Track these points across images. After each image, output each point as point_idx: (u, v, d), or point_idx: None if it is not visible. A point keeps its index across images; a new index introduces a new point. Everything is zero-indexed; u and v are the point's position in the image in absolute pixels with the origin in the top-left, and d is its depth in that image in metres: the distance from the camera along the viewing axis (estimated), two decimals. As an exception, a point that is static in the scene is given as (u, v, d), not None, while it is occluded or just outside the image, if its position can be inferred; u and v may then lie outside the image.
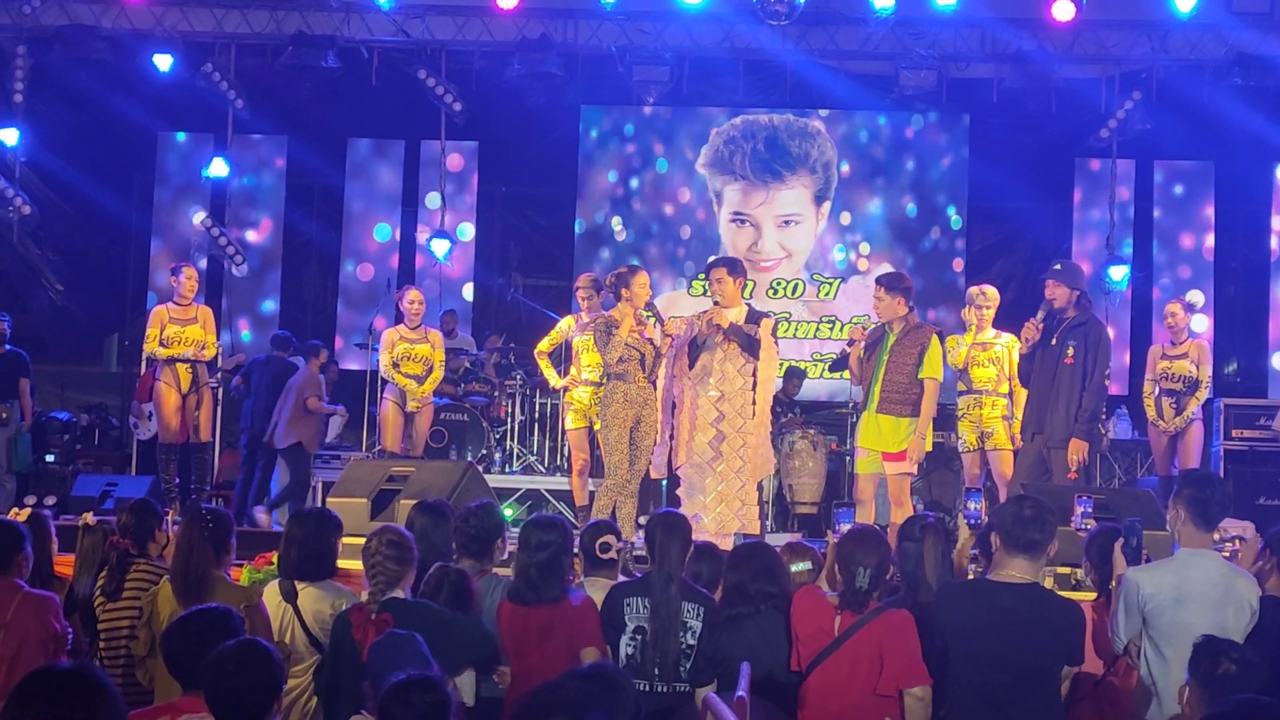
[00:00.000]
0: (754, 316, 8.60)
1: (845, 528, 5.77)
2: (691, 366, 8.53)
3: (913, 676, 4.76)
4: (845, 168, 14.15)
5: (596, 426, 9.24)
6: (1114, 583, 5.13)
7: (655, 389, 8.63)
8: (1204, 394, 10.16)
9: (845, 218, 14.18)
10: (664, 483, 9.38)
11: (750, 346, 8.45)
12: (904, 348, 8.62)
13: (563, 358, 10.56)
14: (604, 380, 8.79)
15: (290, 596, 5.35)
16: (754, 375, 8.50)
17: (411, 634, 4.50)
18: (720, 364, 8.45)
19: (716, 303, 8.53)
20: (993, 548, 5.04)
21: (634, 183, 14.33)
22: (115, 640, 5.70)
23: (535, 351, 10.35)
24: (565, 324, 10.19)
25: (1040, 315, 8.73)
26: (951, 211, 14.18)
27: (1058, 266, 9.00)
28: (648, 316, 8.79)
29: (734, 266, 8.70)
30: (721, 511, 8.32)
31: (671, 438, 8.58)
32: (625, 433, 8.53)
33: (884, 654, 4.78)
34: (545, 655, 5.00)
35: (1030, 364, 8.87)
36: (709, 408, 8.43)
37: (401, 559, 5.00)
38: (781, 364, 11.58)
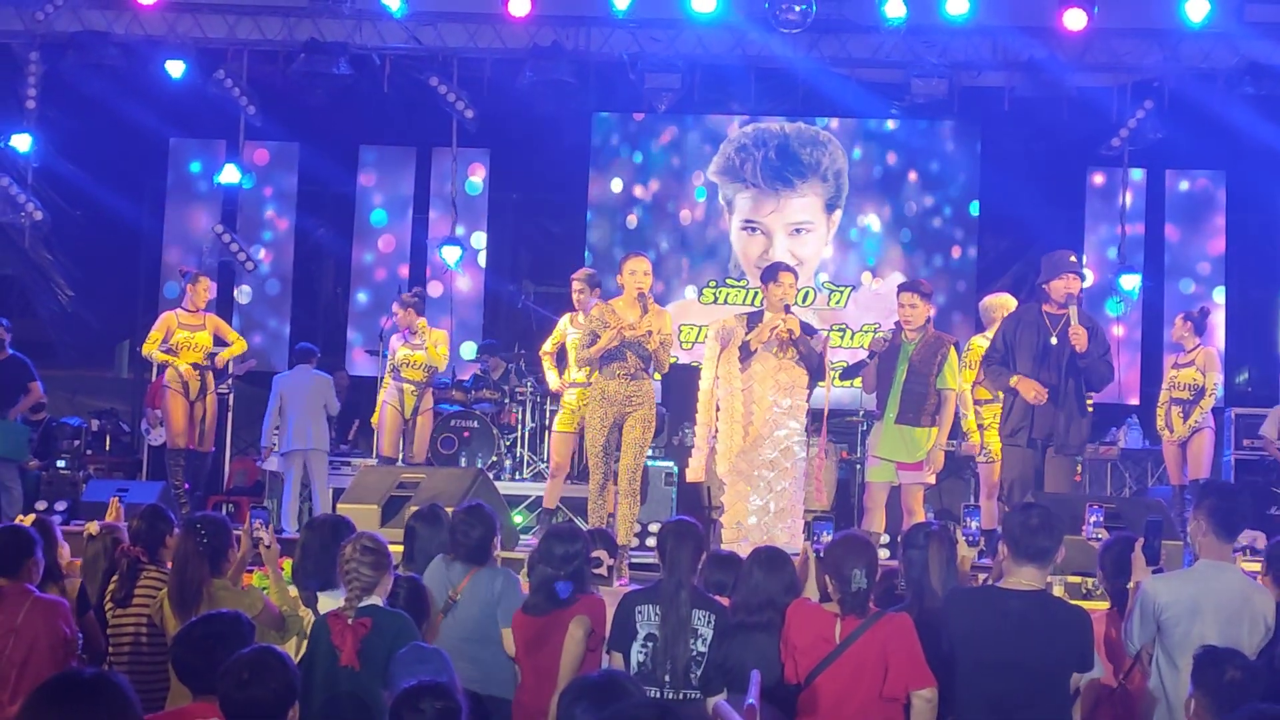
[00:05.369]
0: (805, 329, 8.38)
1: (827, 538, 5.74)
2: (743, 371, 8.29)
3: (920, 678, 4.75)
4: (856, 176, 14.14)
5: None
6: (1131, 584, 5.08)
7: (646, 384, 8.29)
8: (1209, 401, 10.07)
9: (857, 225, 14.17)
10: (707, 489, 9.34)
11: (816, 369, 8.27)
12: (923, 357, 8.57)
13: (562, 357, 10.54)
14: (589, 377, 8.50)
15: (311, 604, 5.36)
16: (810, 389, 8.35)
17: (438, 650, 4.53)
18: (775, 373, 8.25)
19: (788, 308, 8.27)
20: (1000, 556, 5.04)
21: (645, 190, 14.32)
22: (122, 646, 5.71)
23: (540, 352, 10.35)
24: (563, 323, 10.06)
25: (1075, 313, 8.19)
26: (962, 220, 14.15)
27: (1072, 258, 8.49)
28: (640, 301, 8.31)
29: (797, 273, 8.56)
30: (770, 523, 8.16)
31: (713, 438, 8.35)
32: (602, 434, 8.23)
33: (888, 657, 4.76)
34: (549, 655, 5.11)
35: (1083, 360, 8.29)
36: (768, 418, 8.22)
37: (378, 565, 4.88)
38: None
